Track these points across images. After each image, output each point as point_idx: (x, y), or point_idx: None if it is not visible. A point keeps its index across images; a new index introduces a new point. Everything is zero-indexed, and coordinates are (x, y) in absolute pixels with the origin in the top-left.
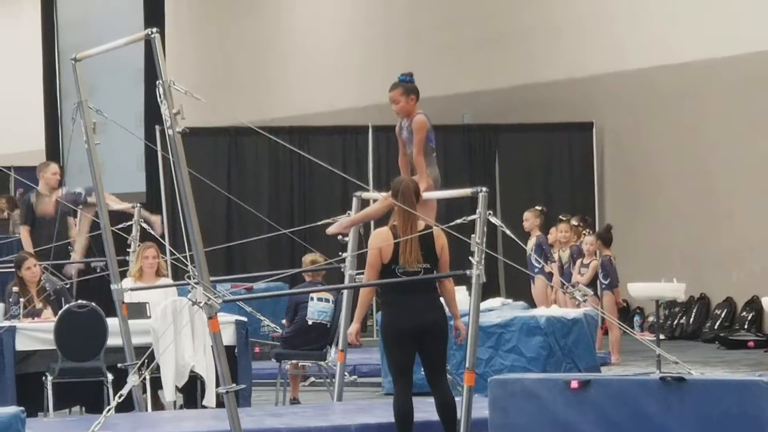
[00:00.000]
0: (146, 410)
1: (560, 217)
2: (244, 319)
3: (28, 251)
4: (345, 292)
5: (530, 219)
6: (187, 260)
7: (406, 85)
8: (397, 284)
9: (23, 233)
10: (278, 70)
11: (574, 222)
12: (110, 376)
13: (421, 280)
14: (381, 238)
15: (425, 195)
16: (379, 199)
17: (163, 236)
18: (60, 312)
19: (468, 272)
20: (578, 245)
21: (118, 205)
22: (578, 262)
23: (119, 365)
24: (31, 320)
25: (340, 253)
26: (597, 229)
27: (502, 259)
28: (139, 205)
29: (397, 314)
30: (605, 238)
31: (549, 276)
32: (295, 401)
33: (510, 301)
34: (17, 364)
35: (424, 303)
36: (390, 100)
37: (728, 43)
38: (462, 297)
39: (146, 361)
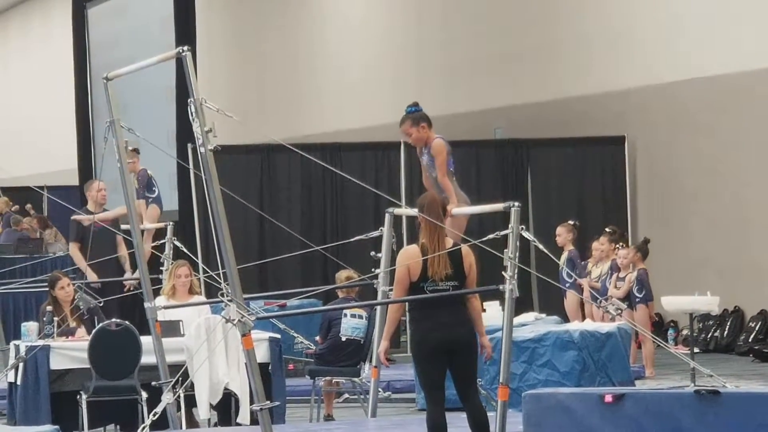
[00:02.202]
0: (180, 428)
1: (606, 229)
2: (278, 336)
3: (80, 266)
4: (378, 308)
5: (563, 234)
6: (220, 278)
7: (414, 116)
8: (426, 300)
9: (72, 250)
10: (310, 86)
11: (608, 230)
12: (144, 394)
13: (449, 297)
14: (409, 256)
15: (457, 211)
16: (412, 215)
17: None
18: (94, 331)
19: (501, 287)
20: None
21: (151, 224)
22: (614, 276)
23: (153, 383)
24: (65, 339)
25: (372, 270)
26: (630, 242)
27: (535, 274)
28: (171, 223)
29: (427, 330)
30: (643, 251)
31: (581, 290)
32: (329, 418)
33: (543, 315)
34: (52, 383)
35: (453, 318)
36: (403, 134)
37: (761, 56)
38: (495, 312)
39: (180, 378)
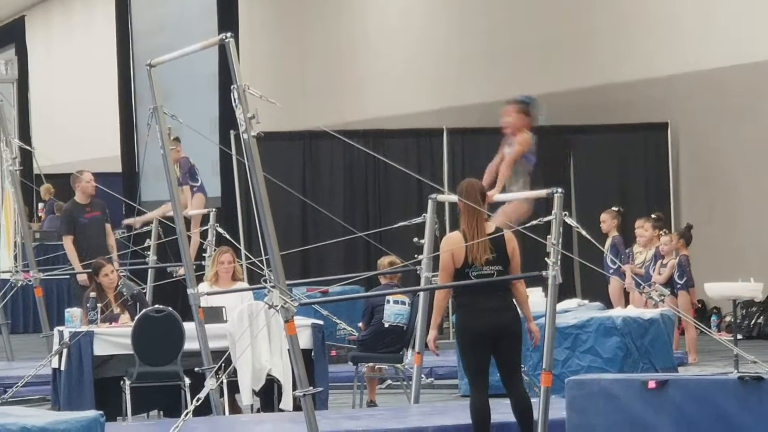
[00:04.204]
0: (224, 414)
1: (652, 215)
2: (321, 322)
3: (101, 260)
4: (421, 294)
5: (607, 220)
6: (263, 264)
7: (522, 105)
8: (471, 286)
9: (67, 243)
10: (352, 73)
11: (653, 216)
12: (187, 381)
13: (494, 282)
14: (452, 242)
15: (499, 196)
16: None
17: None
18: (137, 317)
19: (544, 273)
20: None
21: (193, 210)
22: (658, 262)
23: (196, 369)
24: (108, 325)
25: (415, 256)
26: (672, 228)
27: (577, 260)
28: (214, 209)
29: (472, 317)
30: (687, 238)
31: (625, 276)
32: (372, 404)
33: (586, 301)
34: (95, 369)
35: (498, 305)
36: (501, 113)
37: None
38: (538, 298)
39: (223, 364)
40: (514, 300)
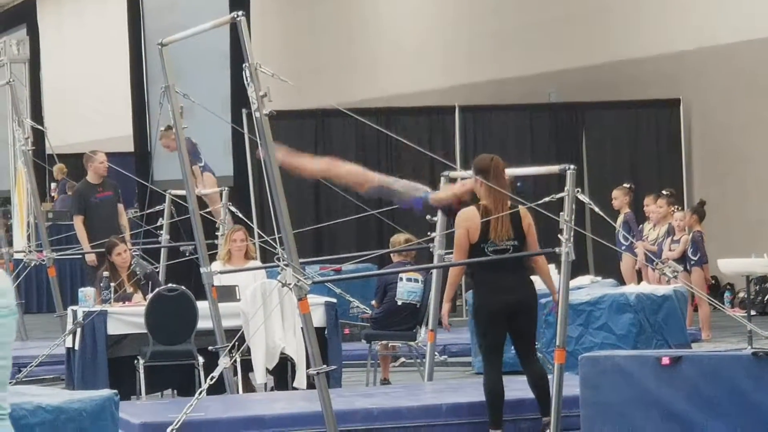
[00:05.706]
0: (237, 392)
1: (663, 192)
2: (334, 300)
3: (114, 239)
4: (434, 271)
5: (619, 197)
6: (275, 242)
7: None
8: (487, 263)
9: (77, 223)
10: (364, 51)
11: (665, 192)
12: (201, 359)
13: (510, 258)
14: (468, 218)
15: (510, 171)
16: (467, 178)
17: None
18: (150, 296)
19: (557, 250)
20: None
21: (206, 189)
22: (669, 238)
23: (210, 348)
24: (121, 304)
25: (428, 233)
26: (685, 205)
27: (590, 237)
28: (227, 188)
29: (489, 293)
30: (700, 213)
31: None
32: (385, 382)
33: (599, 278)
34: (109, 348)
35: (515, 281)
36: None
37: None
38: (551, 275)
39: (237, 343)
40: (530, 276)
